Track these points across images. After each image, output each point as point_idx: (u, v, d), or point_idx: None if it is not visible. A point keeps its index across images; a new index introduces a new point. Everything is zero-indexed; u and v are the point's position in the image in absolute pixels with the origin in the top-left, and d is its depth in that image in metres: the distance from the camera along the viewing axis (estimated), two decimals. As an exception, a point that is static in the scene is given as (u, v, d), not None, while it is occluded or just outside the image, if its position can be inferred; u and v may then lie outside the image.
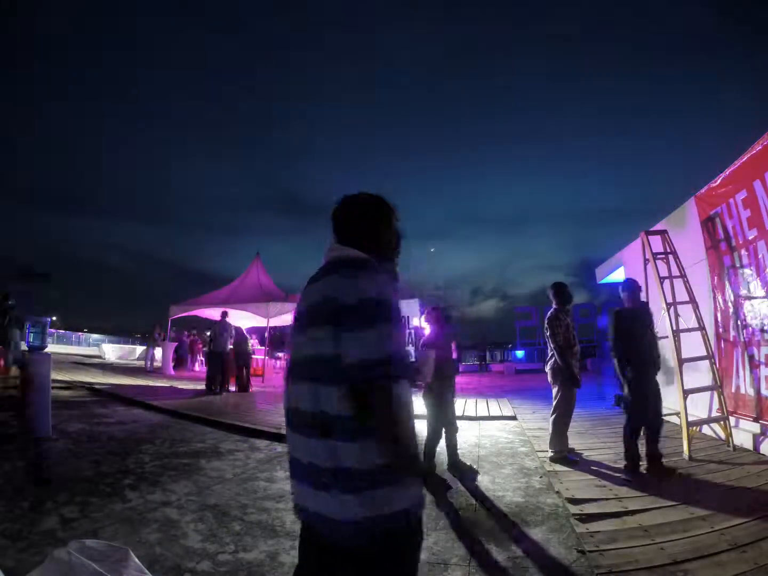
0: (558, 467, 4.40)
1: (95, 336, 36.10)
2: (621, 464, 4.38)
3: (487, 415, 7.82)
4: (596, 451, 4.98)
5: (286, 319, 16.78)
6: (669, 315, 5.26)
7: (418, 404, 3.24)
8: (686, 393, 4.89)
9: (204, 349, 17.90)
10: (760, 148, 4.47)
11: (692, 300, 5.36)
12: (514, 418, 7.53)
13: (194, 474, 4.32)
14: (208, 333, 15.56)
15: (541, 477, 4.31)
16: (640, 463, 4.26)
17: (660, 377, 4.42)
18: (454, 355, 5.23)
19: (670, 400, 7.03)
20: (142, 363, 19.65)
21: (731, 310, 5.12)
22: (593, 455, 4.79)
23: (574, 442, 5.41)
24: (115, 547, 1.78)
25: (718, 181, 5.25)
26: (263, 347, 17.06)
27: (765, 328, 4.52)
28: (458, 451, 4.73)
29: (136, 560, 1.74)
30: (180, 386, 11.47)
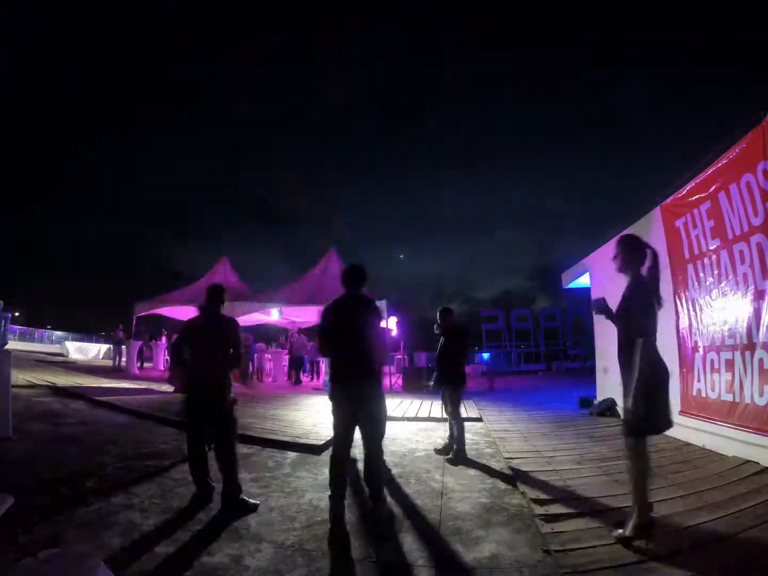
0: (523, 468, 4.39)
1: (58, 333, 34.84)
2: (585, 465, 4.43)
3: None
4: (561, 452, 5.04)
5: (252, 318, 16.49)
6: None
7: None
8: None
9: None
10: (726, 161, 4.62)
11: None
12: (479, 419, 7.60)
13: (158, 476, 4.17)
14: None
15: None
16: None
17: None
18: None
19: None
20: (106, 362, 18.92)
21: (693, 315, 5.28)
22: (558, 456, 4.85)
23: (538, 443, 5.50)
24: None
25: (684, 192, 5.41)
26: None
27: (725, 333, 4.68)
28: (423, 452, 4.72)
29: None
30: (145, 386, 11.11)
